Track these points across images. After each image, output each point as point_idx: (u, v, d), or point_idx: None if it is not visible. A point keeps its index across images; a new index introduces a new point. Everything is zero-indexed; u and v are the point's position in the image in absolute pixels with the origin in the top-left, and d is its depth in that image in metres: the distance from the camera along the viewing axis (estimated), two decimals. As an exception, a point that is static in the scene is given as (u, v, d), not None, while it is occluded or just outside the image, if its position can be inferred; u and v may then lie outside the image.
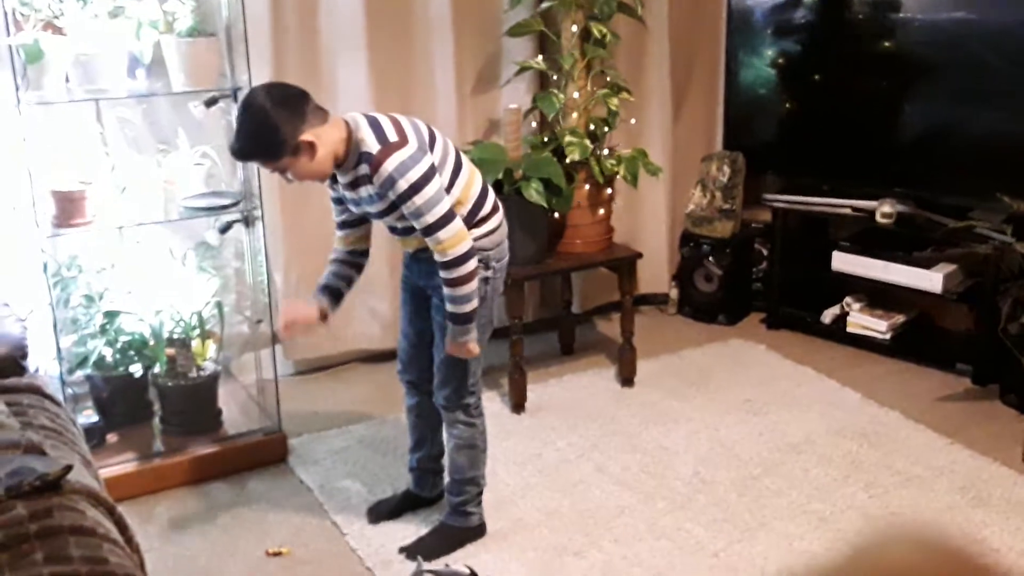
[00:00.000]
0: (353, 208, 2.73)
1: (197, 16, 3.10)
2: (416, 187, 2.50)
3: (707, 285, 4.52)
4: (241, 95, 3.18)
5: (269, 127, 2.45)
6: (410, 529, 3.00)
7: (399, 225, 2.67)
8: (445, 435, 2.93)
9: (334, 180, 2.68)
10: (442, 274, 2.58)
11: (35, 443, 2.03)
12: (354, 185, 2.61)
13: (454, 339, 2.69)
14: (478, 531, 2.96)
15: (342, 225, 2.85)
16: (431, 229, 2.54)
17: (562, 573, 2.81)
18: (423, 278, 2.78)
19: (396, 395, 3.36)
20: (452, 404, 2.82)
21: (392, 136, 2.54)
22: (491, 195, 2.75)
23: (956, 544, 0.82)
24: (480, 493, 2.95)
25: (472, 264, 2.58)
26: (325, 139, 2.51)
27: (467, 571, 2.75)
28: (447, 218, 2.54)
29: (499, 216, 2.75)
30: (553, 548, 2.92)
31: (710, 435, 3.54)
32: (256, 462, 3.36)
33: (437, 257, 2.57)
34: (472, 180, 2.69)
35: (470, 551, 2.90)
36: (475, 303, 2.63)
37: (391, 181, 2.50)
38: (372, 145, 2.52)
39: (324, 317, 2.82)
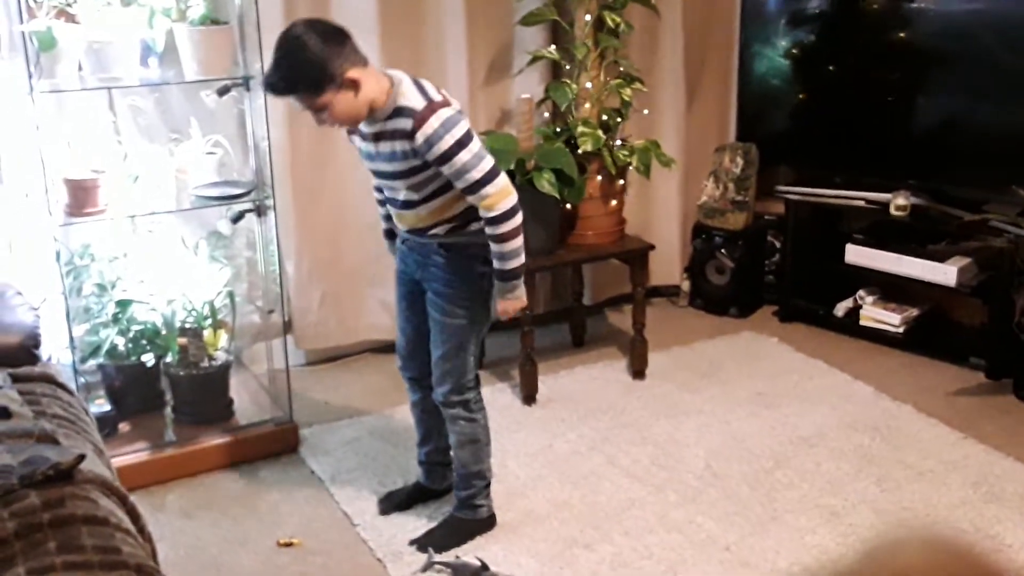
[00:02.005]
0: (365, 161, 2.70)
1: (210, 4, 3.09)
2: (462, 143, 2.50)
3: (719, 277, 4.50)
4: (253, 84, 3.19)
5: (317, 58, 2.43)
6: (421, 520, 3.01)
7: (401, 197, 2.64)
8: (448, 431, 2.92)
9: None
10: (488, 231, 2.58)
11: (48, 432, 2.04)
12: (378, 138, 2.59)
13: (502, 296, 2.69)
14: (488, 523, 2.95)
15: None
16: (477, 185, 2.53)
17: (572, 565, 2.81)
18: (418, 270, 2.77)
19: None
20: (451, 400, 2.81)
21: (436, 96, 2.55)
22: None
23: (967, 544, 0.81)
24: (487, 486, 2.95)
25: (519, 218, 2.58)
26: (368, 81, 2.50)
27: (477, 563, 2.75)
28: (493, 172, 2.54)
29: None
30: (563, 540, 2.92)
31: (721, 428, 3.53)
32: (267, 452, 3.37)
33: (483, 213, 2.56)
34: None
35: (480, 543, 2.89)
36: (523, 258, 2.63)
37: (436, 137, 2.49)
38: (416, 101, 2.52)
39: None
